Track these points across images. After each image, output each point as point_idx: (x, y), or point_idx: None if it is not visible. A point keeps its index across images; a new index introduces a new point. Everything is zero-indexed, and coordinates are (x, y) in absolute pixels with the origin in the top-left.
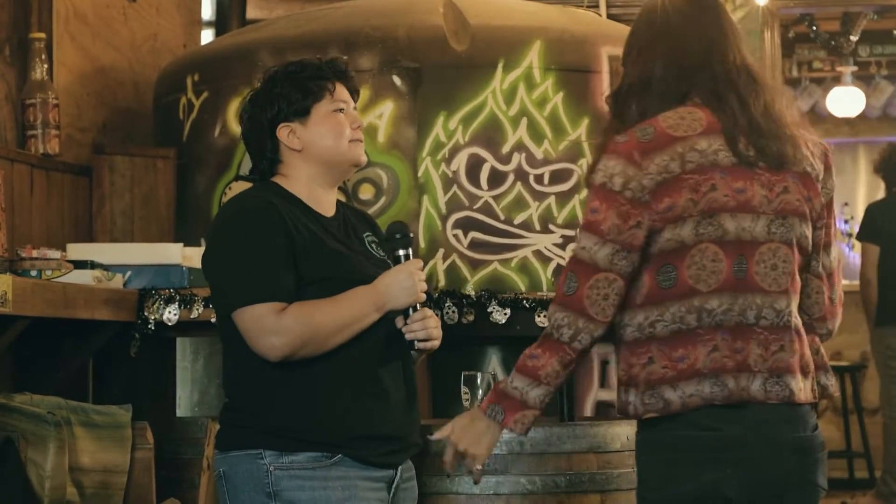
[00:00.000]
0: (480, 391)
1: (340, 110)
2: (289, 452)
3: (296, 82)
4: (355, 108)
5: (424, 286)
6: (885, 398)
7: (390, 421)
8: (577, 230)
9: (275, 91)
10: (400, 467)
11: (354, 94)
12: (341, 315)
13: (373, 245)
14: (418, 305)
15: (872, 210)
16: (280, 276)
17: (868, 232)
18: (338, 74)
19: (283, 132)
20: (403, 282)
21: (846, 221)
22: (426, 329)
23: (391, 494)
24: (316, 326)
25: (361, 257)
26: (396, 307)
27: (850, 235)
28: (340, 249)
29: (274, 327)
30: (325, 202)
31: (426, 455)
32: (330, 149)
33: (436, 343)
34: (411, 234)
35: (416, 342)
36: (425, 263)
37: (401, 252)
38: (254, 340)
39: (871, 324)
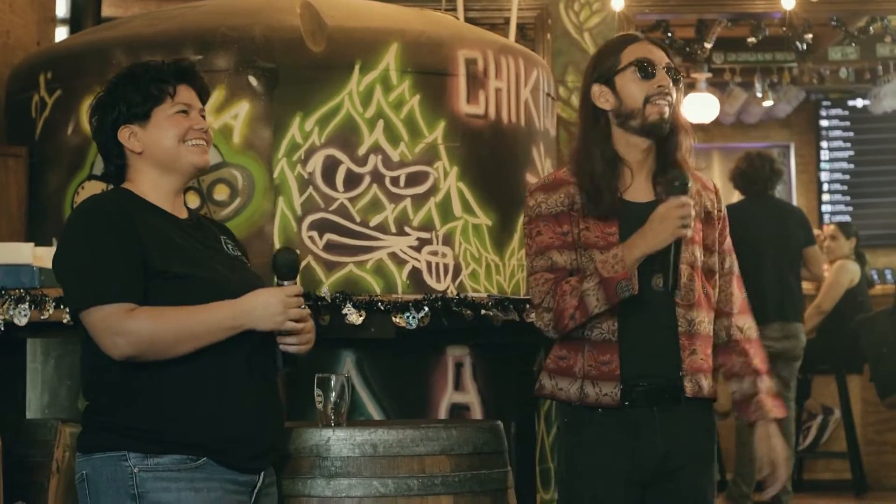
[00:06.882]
0: (334, 393)
1: (183, 112)
2: (153, 455)
3: (137, 85)
4: (203, 111)
5: (297, 313)
6: None
7: (255, 425)
8: None
9: (116, 93)
10: (262, 473)
11: (204, 95)
12: (192, 325)
13: (228, 245)
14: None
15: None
16: (128, 276)
17: None
18: (181, 76)
19: (123, 134)
20: (272, 307)
21: None
22: (303, 344)
23: (252, 500)
24: (162, 332)
25: (218, 257)
26: (257, 329)
27: None
28: (197, 248)
29: (119, 328)
30: (175, 205)
31: (281, 458)
32: (168, 151)
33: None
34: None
35: (281, 358)
36: None
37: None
38: (98, 339)
39: None
